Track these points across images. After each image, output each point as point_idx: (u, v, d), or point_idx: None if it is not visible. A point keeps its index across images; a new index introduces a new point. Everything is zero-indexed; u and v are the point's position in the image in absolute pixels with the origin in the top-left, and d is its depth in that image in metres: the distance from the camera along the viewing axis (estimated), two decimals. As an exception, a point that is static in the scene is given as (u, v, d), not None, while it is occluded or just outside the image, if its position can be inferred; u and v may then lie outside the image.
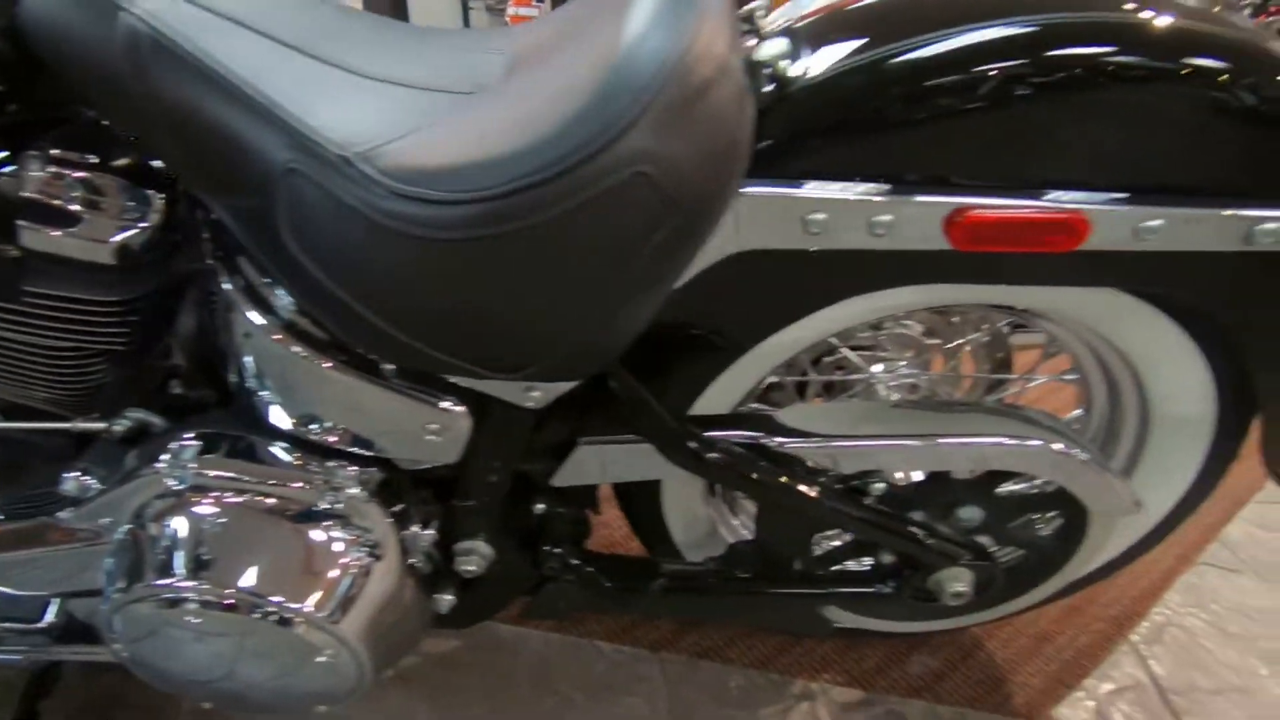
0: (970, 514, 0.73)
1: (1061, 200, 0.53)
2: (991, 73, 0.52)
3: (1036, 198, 0.53)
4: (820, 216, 0.53)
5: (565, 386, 0.57)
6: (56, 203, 0.54)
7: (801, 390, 0.95)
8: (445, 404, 0.58)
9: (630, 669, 0.99)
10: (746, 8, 0.63)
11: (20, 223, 0.53)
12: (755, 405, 0.85)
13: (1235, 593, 1.15)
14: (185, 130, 0.49)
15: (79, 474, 0.62)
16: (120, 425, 0.65)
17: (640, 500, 0.81)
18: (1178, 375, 0.69)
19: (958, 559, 0.72)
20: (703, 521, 0.85)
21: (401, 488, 0.66)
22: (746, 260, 0.56)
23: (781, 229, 0.53)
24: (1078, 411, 0.85)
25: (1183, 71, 0.51)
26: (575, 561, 0.75)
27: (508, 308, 0.48)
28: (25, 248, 0.54)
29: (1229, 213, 0.53)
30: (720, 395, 0.71)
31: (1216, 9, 0.56)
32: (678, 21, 0.47)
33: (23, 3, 0.49)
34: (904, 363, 0.88)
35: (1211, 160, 0.53)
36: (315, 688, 0.64)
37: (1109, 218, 0.53)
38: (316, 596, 0.59)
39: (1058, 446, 0.67)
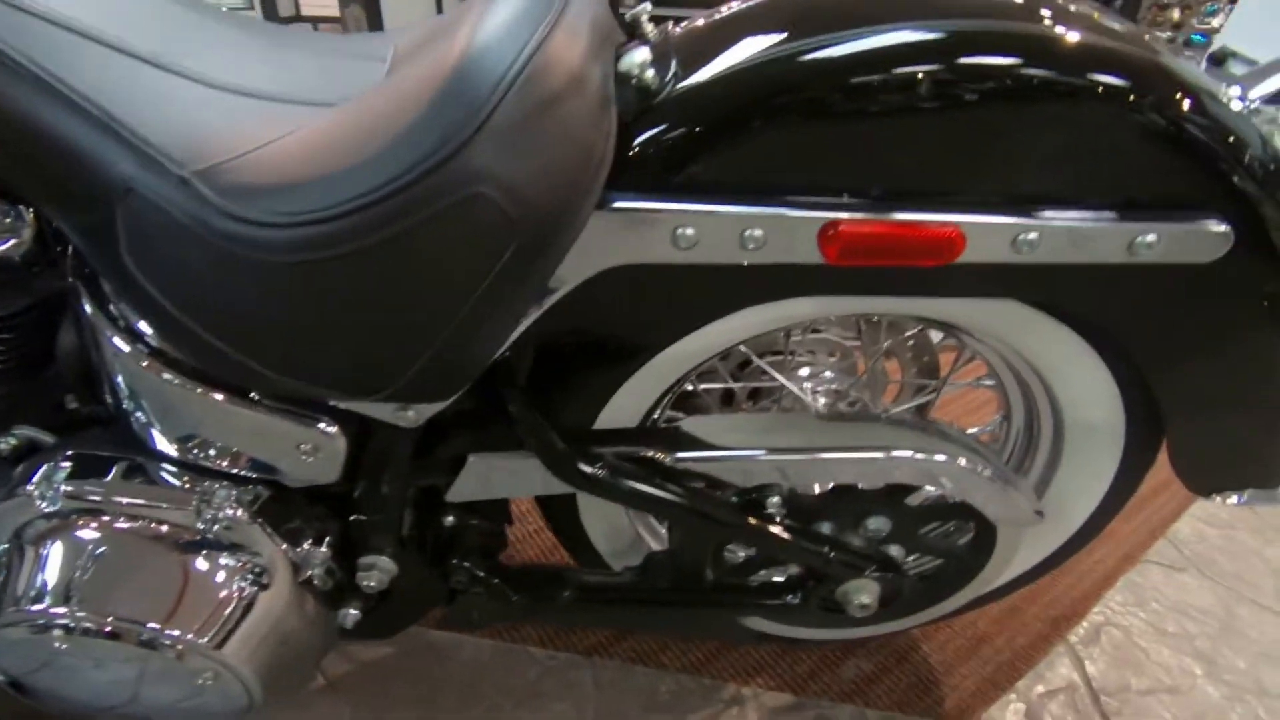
0: (878, 524, 0.72)
1: (937, 214, 0.51)
2: (865, 83, 0.50)
3: (912, 211, 0.51)
4: (689, 231, 0.51)
5: (440, 406, 0.56)
6: None
7: (731, 397, 0.94)
8: (318, 425, 0.57)
9: (561, 675, 0.99)
10: (633, 11, 0.61)
11: None
12: (674, 414, 0.84)
13: (1177, 591, 1.15)
14: (22, 145, 0.47)
15: None
16: (5, 443, 0.64)
17: (559, 511, 0.80)
18: (1083, 383, 0.68)
19: (863, 570, 0.71)
20: (625, 531, 0.84)
21: (291, 505, 0.65)
22: (623, 274, 0.54)
23: (651, 244, 0.52)
24: (998, 416, 0.84)
25: (1063, 86, 0.50)
26: (483, 574, 0.74)
27: (352, 332, 0.47)
28: None
29: (1110, 225, 0.52)
30: (625, 408, 0.69)
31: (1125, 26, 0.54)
32: (523, 31, 0.45)
33: None
34: (828, 370, 0.86)
35: (1094, 174, 0.52)
36: (200, 711, 0.63)
37: (985, 231, 0.51)
38: (192, 621, 0.58)
39: (961, 462, 0.65)
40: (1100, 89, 0.50)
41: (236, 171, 0.45)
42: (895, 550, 0.74)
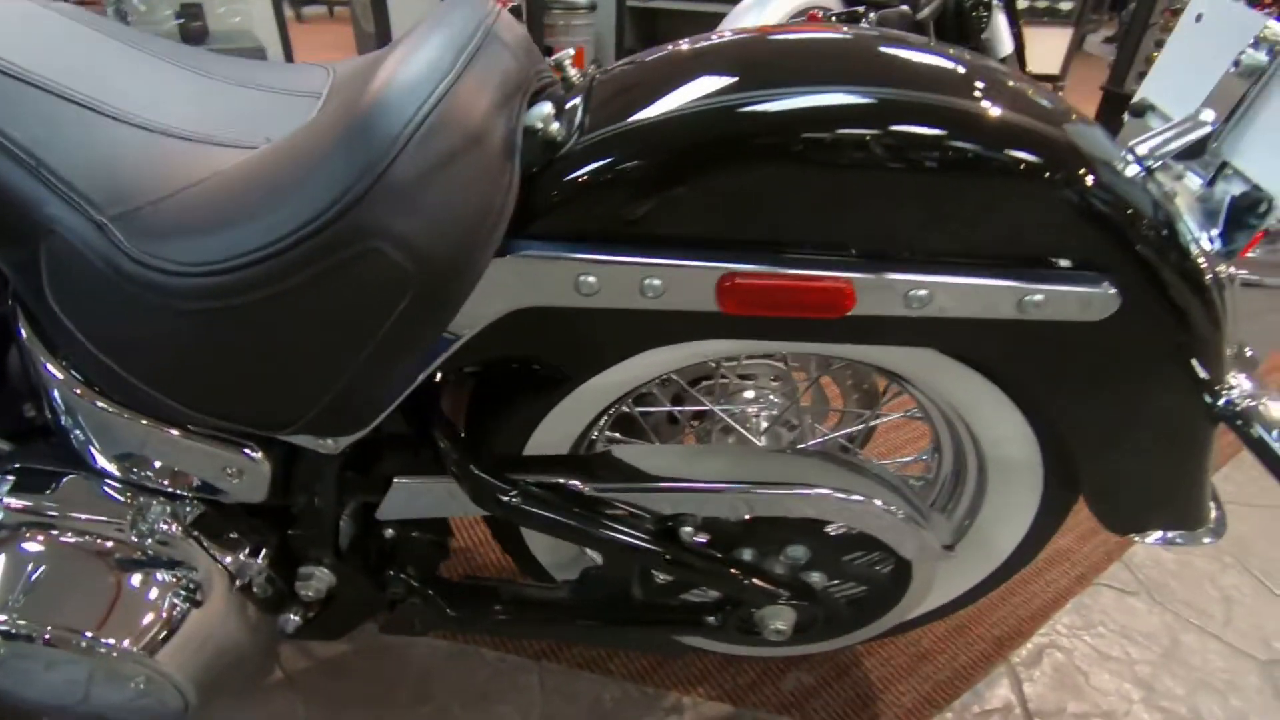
0: (798, 552, 0.74)
1: (829, 270, 0.53)
2: (762, 144, 0.51)
3: (806, 266, 0.53)
4: (591, 279, 0.53)
5: (357, 436, 0.58)
6: None
7: (675, 419, 0.96)
8: (243, 450, 0.60)
9: (510, 678, 1.02)
10: (555, 57, 0.63)
11: None
12: (613, 436, 0.86)
13: (1125, 615, 1.16)
14: None
15: None
16: None
17: (501, 525, 0.83)
18: (998, 424, 0.69)
19: (777, 598, 0.73)
20: (566, 545, 0.87)
21: (227, 519, 0.68)
22: (534, 314, 0.57)
23: (555, 289, 0.54)
24: (929, 448, 0.86)
25: (954, 154, 0.51)
26: (418, 585, 0.77)
27: (256, 374, 0.50)
28: None
29: (999, 284, 0.53)
30: (556, 432, 0.72)
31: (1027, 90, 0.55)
32: (425, 85, 0.47)
33: None
34: (764, 396, 0.88)
35: (985, 237, 0.53)
36: (141, 712, 0.67)
37: (876, 286, 0.53)
38: (125, 629, 0.61)
39: (875, 502, 0.67)
40: (990, 158, 0.51)
41: (148, 219, 0.48)
42: (816, 576, 0.76)
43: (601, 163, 0.52)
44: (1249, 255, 0.62)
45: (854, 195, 0.52)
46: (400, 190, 0.46)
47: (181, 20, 2.72)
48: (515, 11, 2.95)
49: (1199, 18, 0.59)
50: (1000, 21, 3.08)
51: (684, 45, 0.62)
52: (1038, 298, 0.53)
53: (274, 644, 0.77)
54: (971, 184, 0.52)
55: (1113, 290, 0.53)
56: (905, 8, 2.55)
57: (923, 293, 0.53)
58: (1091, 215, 0.52)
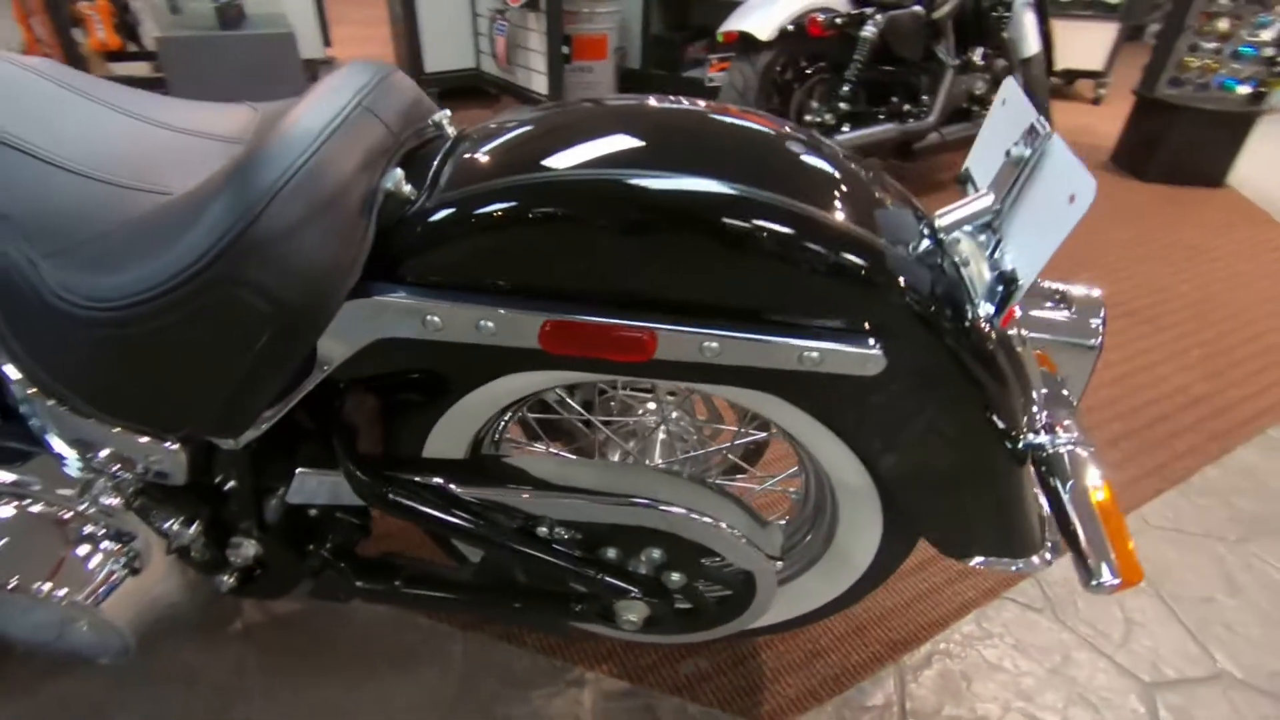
0: (658, 554, 0.83)
1: (636, 320, 0.61)
2: (581, 212, 0.60)
3: (615, 317, 0.62)
4: (435, 319, 0.63)
5: (249, 436, 0.69)
6: None
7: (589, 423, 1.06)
8: (163, 442, 0.72)
9: (438, 644, 1.15)
10: (436, 116, 0.72)
11: None
12: (513, 440, 0.96)
13: (1023, 629, 1.22)
14: None
15: None
16: None
17: None
18: (826, 450, 0.77)
19: (629, 594, 0.83)
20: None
21: (166, 495, 0.80)
22: (396, 344, 0.66)
23: (407, 325, 0.64)
24: (795, 468, 0.94)
25: (743, 235, 0.59)
26: (332, 559, 0.89)
27: (148, 389, 0.61)
28: None
29: (780, 341, 0.61)
30: (446, 440, 0.82)
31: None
32: (286, 156, 0.57)
33: None
34: (670, 410, 0.97)
35: (772, 301, 0.61)
36: (89, 650, 0.81)
37: (674, 336, 0.61)
38: (76, 583, 0.75)
39: (703, 519, 0.76)
40: (770, 239, 0.59)
41: (66, 261, 0.59)
42: (675, 577, 0.85)
43: (441, 222, 0.62)
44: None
45: (658, 263, 0.61)
46: (260, 245, 0.56)
47: (219, 3, 2.86)
48: None
49: (1004, 102, 0.65)
50: (1027, 20, 3.02)
51: (535, 114, 0.70)
52: (814, 354, 0.61)
53: (205, 600, 0.89)
54: (756, 261, 0.60)
55: (878, 351, 0.60)
56: (918, 9, 2.53)
57: (714, 345, 0.61)
58: (858, 286, 0.60)
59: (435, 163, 0.66)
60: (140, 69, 3.29)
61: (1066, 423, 0.74)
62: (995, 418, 0.68)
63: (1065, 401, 0.76)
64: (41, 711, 1.00)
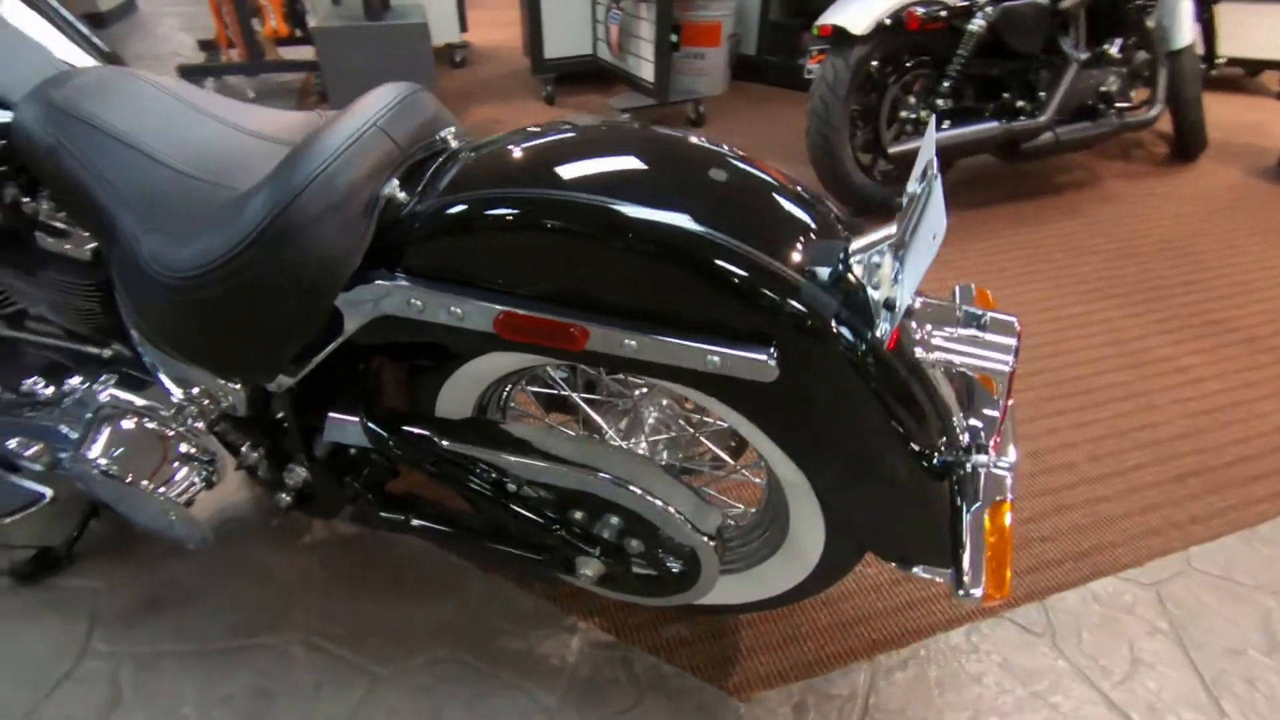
0: (618, 521, 0.94)
1: (572, 318, 0.72)
2: (532, 225, 0.72)
3: (555, 314, 0.73)
4: (417, 303, 0.77)
5: (289, 381, 0.88)
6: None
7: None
8: (227, 381, 0.92)
9: (459, 579, 1.32)
10: (444, 132, 0.85)
11: None
12: (513, 408, 1.10)
13: (1016, 651, 1.22)
14: (73, 200, 0.85)
15: (78, 381, 1.06)
16: (106, 352, 1.07)
17: None
18: (763, 446, 0.84)
19: (589, 552, 0.94)
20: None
21: (239, 423, 1.02)
22: (395, 321, 0.82)
23: (398, 306, 0.78)
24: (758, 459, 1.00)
25: (666, 254, 0.68)
26: (362, 491, 1.08)
27: (205, 340, 0.80)
28: None
29: (686, 344, 0.70)
30: (453, 402, 0.98)
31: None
32: (307, 167, 0.73)
33: (14, 119, 0.86)
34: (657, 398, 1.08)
35: (683, 311, 0.70)
36: (181, 537, 1.04)
37: (602, 333, 0.72)
38: (172, 486, 0.97)
39: (647, 497, 0.86)
40: (690, 258, 0.68)
41: (156, 235, 0.79)
42: (635, 543, 0.96)
43: (423, 224, 0.75)
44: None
45: (594, 272, 0.72)
46: (283, 235, 0.72)
47: (366, -5, 3.18)
48: (644, -7, 3.10)
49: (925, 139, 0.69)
50: (1182, 7, 2.74)
51: (516, 135, 0.82)
52: (715, 359, 0.69)
53: (270, 511, 1.11)
54: (675, 277, 0.69)
55: (772, 361, 0.67)
56: (1040, -1, 2.38)
57: (633, 343, 0.71)
58: (757, 304, 0.67)
59: (430, 174, 0.80)
60: (306, 53, 3.73)
61: (993, 442, 0.77)
62: (902, 431, 0.73)
63: (990, 421, 0.79)
64: (157, 585, 1.29)
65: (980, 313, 0.72)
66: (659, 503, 0.86)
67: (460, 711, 1.12)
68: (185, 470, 0.99)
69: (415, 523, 1.07)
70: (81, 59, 1.02)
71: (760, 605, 1.11)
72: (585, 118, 0.85)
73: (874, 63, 2.37)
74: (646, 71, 3.29)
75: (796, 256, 0.69)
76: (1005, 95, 2.52)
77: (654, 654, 1.21)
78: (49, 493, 1.17)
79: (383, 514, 1.07)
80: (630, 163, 0.75)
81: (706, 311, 0.70)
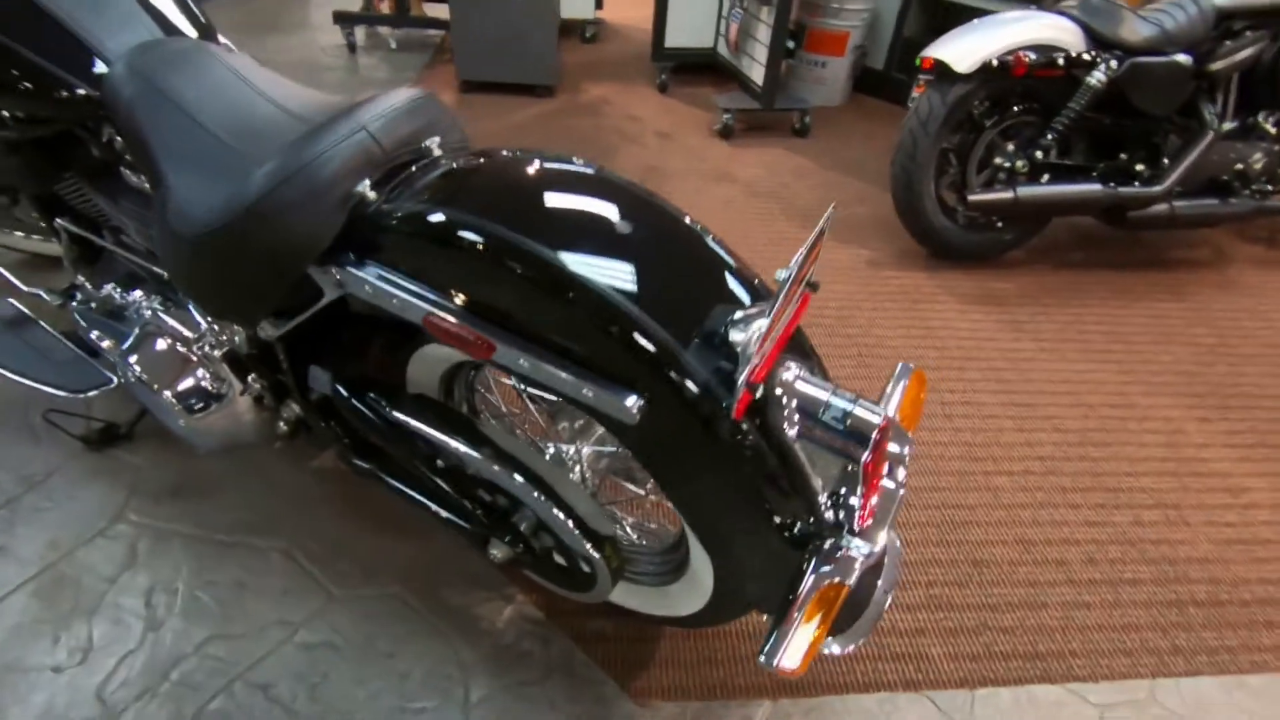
0: (530, 515, 1.03)
1: (482, 330, 0.81)
2: (463, 247, 0.80)
3: (471, 323, 0.81)
4: (368, 289, 0.88)
5: (281, 331, 1.02)
6: None
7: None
8: (235, 326, 1.08)
9: (429, 530, 1.46)
10: (429, 141, 0.95)
11: None
12: (483, 394, 1.20)
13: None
14: (136, 150, 1.01)
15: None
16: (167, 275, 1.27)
17: None
18: (648, 474, 0.90)
19: (499, 537, 1.04)
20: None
21: (247, 358, 1.18)
22: (354, 300, 0.93)
23: (355, 288, 0.89)
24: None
25: (559, 294, 0.76)
26: (340, 435, 1.22)
27: (205, 289, 0.94)
28: None
29: (563, 375, 0.76)
30: (419, 375, 1.09)
31: None
32: (295, 159, 0.84)
33: (105, 81, 1.04)
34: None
35: (565, 345, 0.77)
36: (197, 443, 1.22)
37: (504, 349, 0.80)
38: (187, 398, 1.15)
39: (544, 503, 0.94)
40: (581, 309, 0.75)
41: (180, 191, 0.93)
42: (545, 538, 1.04)
43: (380, 223, 0.86)
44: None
45: (504, 296, 0.79)
46: (267, 211, 0.84)
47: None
48: (766, -4, 3.07)
49: (825, 227, 0.70)
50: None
51: (483, 159, 0.91)
52: (587, 392, 0.75)
53: (271, 434, 1.27)
54: (563, 316, 0.76)
55: (635, 408, 0.73)
56: (1183, 58, 2.19)
57: (524, 363, 0.78)
58: (630, 357, 0.73)
59: (402, 179, 0.90)
60: (444, 11, 3.97)
61: (858, 524, 0.79)
62: (756, 496, 0.76)
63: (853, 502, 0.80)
64: (187, 474, 1.51)
65: (847, 405, 0.73)
66: (555, 510, 0.94)
67: (388, 644, 1.26)
68: (196, 387, 1.17)
69: (380, 475, 1.20)
70: (184, 27, 1.20)
71: (670, 622, 1.16)
72: (554, 155, 0.92)
73: (975, 103, 2.26)
74: (757, 74, 3.27)
75: (684, 317, 0.74)
76: (1119, 156, 2.33)
77: (573, 640, 1.29)
78: (115, 379, 1.40)
79: (354, 460, 1.21)
80: (567, 208, 0.82)
81: (591, 353, 0.76)
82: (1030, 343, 2.17)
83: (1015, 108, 2.30)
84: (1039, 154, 2.25)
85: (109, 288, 1.34)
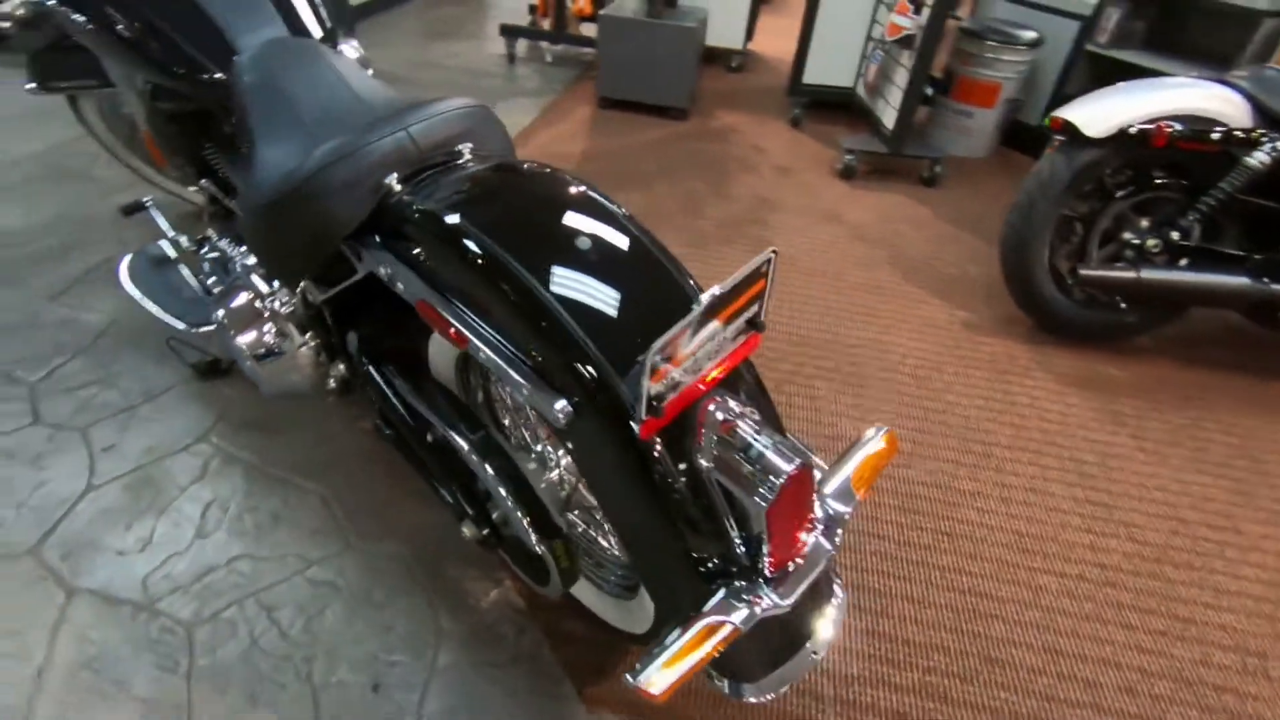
0: (505, 507, 1.09)
1: (461, 322, 0.88)
2: (459, 249, 0.88)
3: (452, 315, 0.89)
4: (385, 270, 0.98)
5: (323, 296, 1.15)
6: None
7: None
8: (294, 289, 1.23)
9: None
10: (461, 146, 1.04)
11: None
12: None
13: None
14: (241, 128, 1.19)
15: None
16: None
17: None
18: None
19: (472, 518, 1.10)
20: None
21: (305, 314, 1.34)
22: (375, 279, 1.04)
23: (379, 267, 1.00)
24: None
25: (514, 300, 0.82)
26: (376, 403, 1.35)
27: (263, 253, 1.09)
28: None
29: (511, 374, 0.81)
30: (439, 352, 1.20)
31: None
32: (346, 148, 0.96)
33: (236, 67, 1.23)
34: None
35: (526, 349, 0.83)
36: (254, 379, 1.40)
37: (475, 343, 0.86)
38: (255, 345, 1.33)
39: (503, 495, 1.00)
40: (531, 318, 0.81)
41: (256, 167, 1.09)
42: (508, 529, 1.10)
43: (396, 214, 0.96)
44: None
45: (480, 301, 0.86)
46: (310, 192, 0.97)
47: (655, -8, 3.48)
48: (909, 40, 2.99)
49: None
50: None
51: (497, 169, 0.98)
52: (526, 392, 0.80)
53: (323, 387, 1.43)
54: (523, 325, 0.82)
55: (563, 413, 0.77)
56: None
57: (483, 356, 0.85)
58: (565, 368, 0.77)
59: (428, 177, 1.00)
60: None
61: (767, 570, 0.78)
62: (665, 520, 0.77)
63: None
64: (267, 412, 1.73)
65: (764, 448, 0.72)
66: (511, 503, 0.99)
67: (382, 596, 1.37)
68: (264, 337, 1.34)
69: (398, 441, 1.31)
70: (311, 28, 1.39)
71: (628, 638, 1.18)
72: (563, 174, 0.98)
73: (1108, 170, 2.08)
74: (889, 117, 3.18)
75: (625, 338, 0.77)
76: (1278, 248, 2.04)
77: (545, 635, 1.34)
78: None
79: (380, 424, 1.34)
80: (548, 224, 0.87)
81: (539, 358, 0.81)
82: (1129, 439, 1.95)
83: (1155, 180, 2.09)
84: (1175, 234, 2.03)
85: (225, 243, 1.57)
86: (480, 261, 0.84)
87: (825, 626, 0.90)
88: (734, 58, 4.40)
